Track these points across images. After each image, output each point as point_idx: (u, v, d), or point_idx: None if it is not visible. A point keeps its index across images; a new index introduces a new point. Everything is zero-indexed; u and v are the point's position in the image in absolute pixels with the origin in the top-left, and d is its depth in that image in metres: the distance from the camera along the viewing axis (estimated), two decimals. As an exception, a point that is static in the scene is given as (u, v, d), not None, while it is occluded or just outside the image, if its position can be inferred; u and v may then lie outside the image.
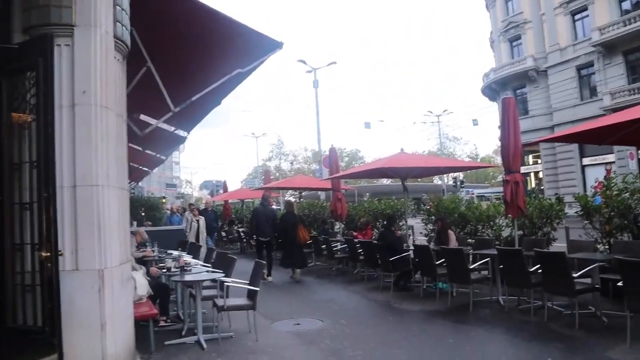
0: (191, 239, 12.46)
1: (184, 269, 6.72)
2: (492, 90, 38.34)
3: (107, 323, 4.41)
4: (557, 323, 6.29)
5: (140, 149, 11.87)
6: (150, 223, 16.67)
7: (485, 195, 55.76)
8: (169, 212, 18.44)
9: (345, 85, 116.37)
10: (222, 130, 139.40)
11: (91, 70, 4.51)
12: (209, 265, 7.72)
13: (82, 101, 4.47)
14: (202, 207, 15.84)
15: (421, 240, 11.88)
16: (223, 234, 20.30)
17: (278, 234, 11.81)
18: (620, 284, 5.40)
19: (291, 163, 75.69)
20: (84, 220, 4.43)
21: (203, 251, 10.36)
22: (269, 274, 11.18)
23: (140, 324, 5.49)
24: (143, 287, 6.09)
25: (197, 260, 8.19)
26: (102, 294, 4.39)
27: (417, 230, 13.07)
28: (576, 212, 8.46)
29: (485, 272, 8.18)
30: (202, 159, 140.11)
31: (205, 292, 6.65)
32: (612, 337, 5.58)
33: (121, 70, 5.09)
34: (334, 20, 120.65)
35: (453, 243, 8.88)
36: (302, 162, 78.80)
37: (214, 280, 6.66)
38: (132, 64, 5.51)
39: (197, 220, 12.86)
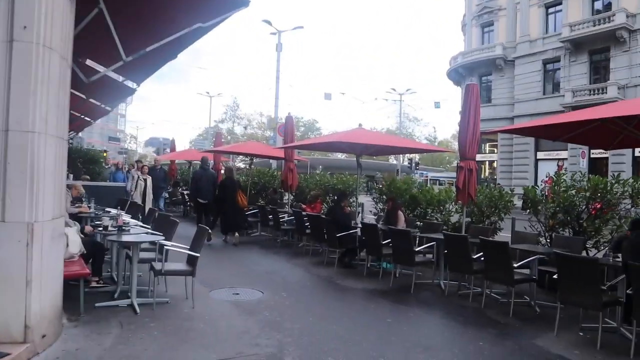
0: (137, 199, 12.18)
1: (121, 228, 6.61)
2: (458, 74, 39.02)
3: (34, 280, 4.31)
4: (493, 310, 6.65)
5: (83, 97, 11.40)
6: (88, 177, 16.19)
7: (439, 179, 57.39)
8: (113, 167, 17.84)
9: (309, 53, 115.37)
10: (175, 86, 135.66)
11: (35, 4, 4.27)
12: (149, 227, 7.63)
13: (22, 38, 4.25)
14: (149, 164, 15.48)
15: (370, 218, 12.13)
16: (166, 195, 20.00)
17: (217, 198, 12.54)
18: (555, 276, 5.75)
19: (245, 127, 74.85)
20: (15, 168, 4.26)
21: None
22: (208, 238, 11.52)
23: (70, 284, 5.40)
24: (76, 244, 5.96)
25: (136, 221, 8.08)
26: (30, 248, 4.27)
27: (367, 209, 13.33)
28: (523, 204, 8.84)
29: (430, 256, 8.46)
30: (151, 114, 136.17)
31: (143, 255, 6.59)
32: (542, 326, 5.99)
33: (69, 8, 4.85)
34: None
35: (401, 224, 9.10)
36: (256, 128, 77.97)
37: (152, 243, 6.62)
38: (82, 4, 5.26)
39: (145, 179, 12.53)
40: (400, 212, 9.36)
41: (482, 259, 6.81)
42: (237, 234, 11.80)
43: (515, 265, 6.58)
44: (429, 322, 6.11)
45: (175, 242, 6.51)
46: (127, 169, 17.68)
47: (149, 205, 12.08)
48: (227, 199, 12.22)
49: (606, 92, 28.22)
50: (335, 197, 11.91)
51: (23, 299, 4.26)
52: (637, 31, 27.92)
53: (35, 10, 4.28)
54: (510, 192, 9.51)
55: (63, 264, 5.08)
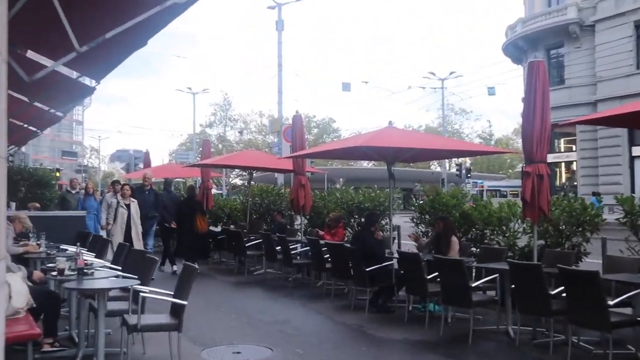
0: (117, 235, 11.90)
1: (82, 272, 6.63)
2: (517, 48, 38.86)
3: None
4: (582, 364, 6.53)
5: (26, 99, 11.53)
6: (38, 205, 16.31)
7: (499, 189, 57.08)
8: (82, 192, 17.23)
9: (319, 32, 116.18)
10: (147, 82, 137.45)
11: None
12: (119, 268, 7.66)
13: None
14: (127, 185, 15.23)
15: (409, 246, 12.05)
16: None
17: (176, 220, 14.19)
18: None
19: (240, 132, 75.35)
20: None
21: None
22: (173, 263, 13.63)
23: (15, 349, 5.41)
24: (21, 296, 5.96)
25: (102, 261, 8.12)
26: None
27: (404, 232, 13.23)
28: (618, 219, 8.71)
29: (491, 293, 8.37)
30: (117, 120, 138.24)
31: (112, 306, 6.60)
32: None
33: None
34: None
35: (454, 253, 9.04)
36: (255, 132, 78.52)
37: (125, 290, 6.62)
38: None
39: (127, 205, 12.22)
40: (454, 238, 9.30)
41: (564, 295, 6.70)
42: (176, 266, 13.17)
43: (610, 302, 6.45)
44: (496, 383, 6.02)
45: (153, 288, 6.52)
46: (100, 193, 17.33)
47: (137, 243, 11.79)
48: (183, 223, 13.85)
49: None
50: (363, 220, 11.87)
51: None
52: None
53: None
54: (596, 202, 9.39)
55: (4, 324, 5.10)
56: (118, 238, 11.62)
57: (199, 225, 14.02)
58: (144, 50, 8.18)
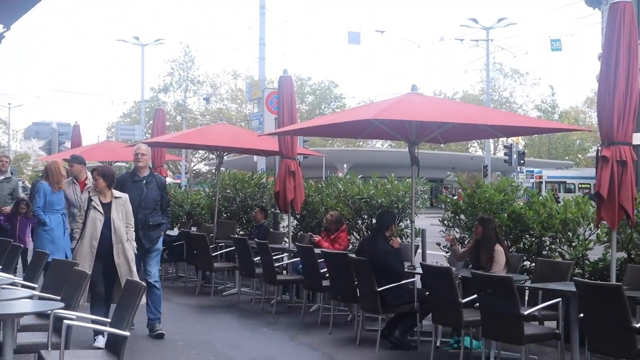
0: (84, 259, 9.03)
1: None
2: (593, -16, 38.75)
3: None
4: None
5: None
6: None
7: (565, 181, 57.13)
8: (44, 182, 16.23)
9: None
10: (77, 30, 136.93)
11: None
12: (34, 285, 7.61)
13: None
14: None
15: (439, 257, 12.01)
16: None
17: None
18: None
19: (206, 100, 75.19)
20: None
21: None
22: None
23: None
24: None
25: (9, 276, 8.07)
26: None
27: (431, 239, 13.18)
28: None
29: (551, 324, 8.38)
30: (34, 80, 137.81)
31: (24, 338, 6.56)
32: None
33: None
34: None
35: (499, 267, 9.03)
36: (227, 100, 78.56)
37: (42, 315, 6.57)
38: None
39: (106, 205, 9.49)
40: (499, 247, 9.27)
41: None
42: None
43: None
44: None
45: (81, 313, 6.47)
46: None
47: (126, 272, 9.21)
48: None
49: None
50: (374, 221, 11.81)
51: None
52: None
53: None
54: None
55: None
56: (85, 264, 9.06)
57: None
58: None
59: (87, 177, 11.73)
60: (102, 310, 8.75)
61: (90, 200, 9.50)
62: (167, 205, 11.35)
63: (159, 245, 10.87)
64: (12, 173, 15.60)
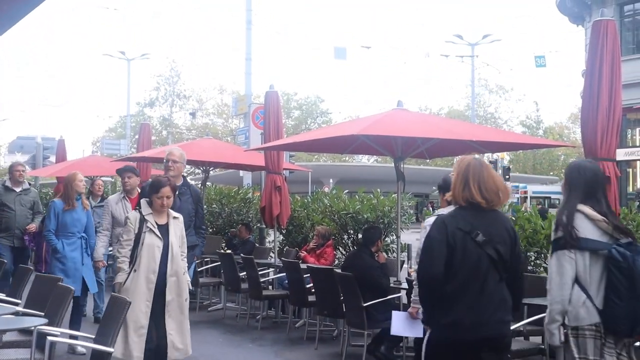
0: (138, 297, 7.38)
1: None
2: (577, 2, 38.85)
3: None
4: None
5: None
6: None
7: (549, 196, 57.26)
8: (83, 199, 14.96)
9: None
10: (64, 44, 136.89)
11: None
12: (18, 301, 7.62)
13: None
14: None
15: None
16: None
17: None
18: None
19: (192, 114, 75.16)
20: None
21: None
22: None
23: None
24: None
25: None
26: None
27: (416, 253, 13.21)
28: None
29: (537, 339, 8.40)
30: (19, 93, 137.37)
31: (7, 354, 6.55)
32: None
33: None
34: None
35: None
36: (213, 114, 78.45)
37: (25, 332, 6.52)
38: None
39: (163, 227, 8.12)
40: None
41: None
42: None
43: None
44: None
45: (65, 330, 6.44)
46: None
47: (176, 315, 8.31)
48: None
49: None
50: (360, 236, 11.83)
51: None
52: None
53: None
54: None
55: None
56: (142, 304, 7.77)
57: None
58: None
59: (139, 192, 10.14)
60: None
61: (143, 220, 7.82)
62: (202, 222, 10.15)
63: (190, 272, 9.12)
64: (29, 184, 13.33)
